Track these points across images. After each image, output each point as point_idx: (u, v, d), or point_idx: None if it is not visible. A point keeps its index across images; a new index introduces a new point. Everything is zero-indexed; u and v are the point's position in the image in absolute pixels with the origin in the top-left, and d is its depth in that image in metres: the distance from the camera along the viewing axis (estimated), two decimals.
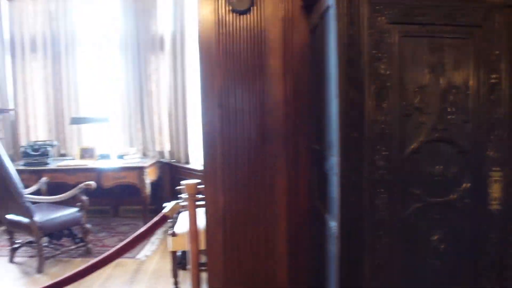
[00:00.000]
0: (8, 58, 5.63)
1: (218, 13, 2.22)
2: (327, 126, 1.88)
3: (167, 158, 5.51)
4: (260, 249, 2.36)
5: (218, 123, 2.25)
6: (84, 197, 4.04)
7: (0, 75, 5.53)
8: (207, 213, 2.18)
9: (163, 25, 5.41)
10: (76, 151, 5.47)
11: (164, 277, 3.58)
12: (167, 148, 5.52)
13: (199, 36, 2.26)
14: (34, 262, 3.96)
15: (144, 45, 5.43)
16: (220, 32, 2.22)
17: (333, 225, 1.81)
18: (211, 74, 2.26)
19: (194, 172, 4.82)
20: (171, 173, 5.41)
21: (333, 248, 1.82)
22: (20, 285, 3.51)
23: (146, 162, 4.77)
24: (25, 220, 3.73)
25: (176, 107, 5.18)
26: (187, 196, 1.93)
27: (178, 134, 5.19)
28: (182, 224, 3.22)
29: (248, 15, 2.22)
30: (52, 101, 5.62)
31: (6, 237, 4.72)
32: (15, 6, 5.57)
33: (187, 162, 5.15)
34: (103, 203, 5.40)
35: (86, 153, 5.05)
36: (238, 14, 2.21)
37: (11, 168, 3.60)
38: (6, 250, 4.27)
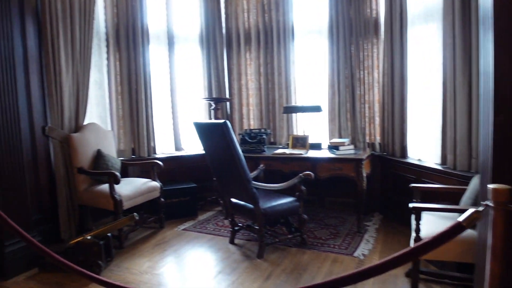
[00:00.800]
0: (224, 51, 6.06)
1: None
2: None
3: (377, 150, 5.16)
4: None
5: None
6: (303, 187, 3.98)
7: (219, 67, 5.99)
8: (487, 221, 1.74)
9: (378, 8, 5.04)
10: (285, 140, 5.56)
11: (389, 281, 3.26)
12: (377, 139, 5.18)
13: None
14: (252, 246, 4.11)
15: (356, 30, 5.14)
16: None
17: None
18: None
19: (412, 168, 4.36)
20: (382, 167, 5.03)
21: None
22: (243, 268, 3.62)
23: (363, 155, 4.47)
24: (249, 205, 3.85)
25: (392, 96, 4.75)
26: (491, 204, 1.52)
27: (394, 125, 4.75)
28: (426, 229, 2.83)
29: None
30: (263, 91, 5.84)
31: (222, 217, 5.12)
32: (231, 2, 5.94)
33: (403, 156, 4.70)
34: (309, 193, 5.35)
35: (298, 142, 5.02)
36: None
37: (242, 155, 3.73)
38: (226, 231, 4.56)
